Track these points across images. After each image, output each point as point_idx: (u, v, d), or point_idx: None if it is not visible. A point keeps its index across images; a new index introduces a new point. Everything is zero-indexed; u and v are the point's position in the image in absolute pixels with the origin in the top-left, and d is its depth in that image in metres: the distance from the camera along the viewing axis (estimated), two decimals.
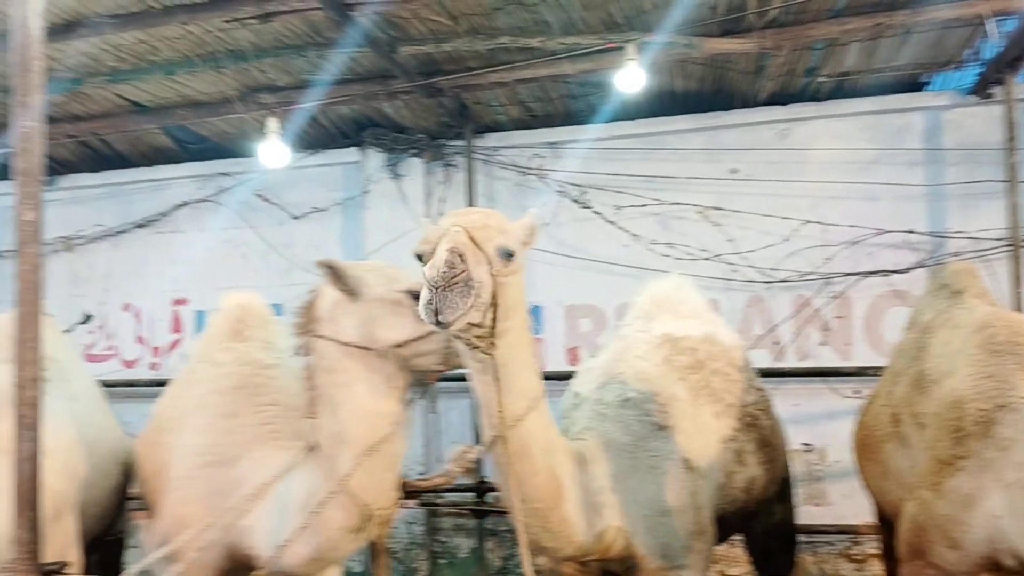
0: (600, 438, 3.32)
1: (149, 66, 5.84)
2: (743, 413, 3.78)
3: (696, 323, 3.97)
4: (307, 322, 3.08)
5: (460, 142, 6.96)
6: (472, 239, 2.67)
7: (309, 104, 6.01)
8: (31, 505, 2.66)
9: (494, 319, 2.70)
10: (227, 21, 5.07)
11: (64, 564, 2.77)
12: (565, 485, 3.05)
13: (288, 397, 3.47)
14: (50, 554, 3.14)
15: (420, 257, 2.79)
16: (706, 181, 6.59)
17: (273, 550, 3.08)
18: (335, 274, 3.00)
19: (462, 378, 6.28)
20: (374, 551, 4.19)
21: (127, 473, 4.27)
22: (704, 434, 3.52)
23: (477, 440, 6.75)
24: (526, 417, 2.89)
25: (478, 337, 2.72)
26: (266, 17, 4.91)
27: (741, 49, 5.52)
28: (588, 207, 6.82)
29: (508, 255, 2.74)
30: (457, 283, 2.59)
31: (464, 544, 7.05)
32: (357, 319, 2.98)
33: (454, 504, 6.95)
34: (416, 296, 2.75)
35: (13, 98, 5.20)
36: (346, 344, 2.97)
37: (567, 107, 6.71)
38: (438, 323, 2.61)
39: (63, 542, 3.38)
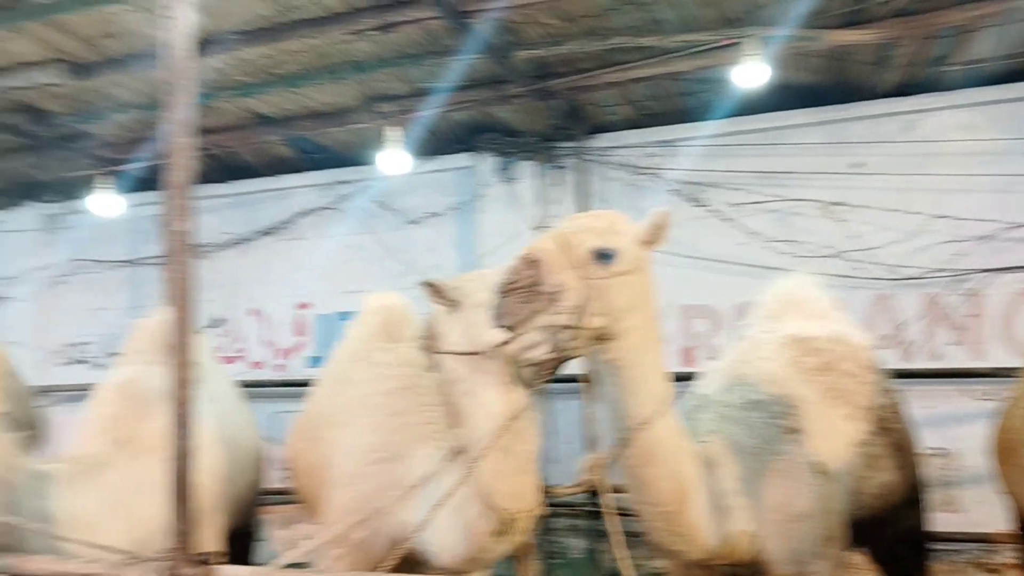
0: (726, 441, 3.27)
1: (274, 79, 6.07)
2: (874, 416, 3.65)
3: (823, 323, 3.87)
4: (429, 340, 3.18)
5: (572, 143, 6.98)
6: (562, 243, 2.71)
7: (426, 112, 6.15)
8: (185, 498, 2.79)
9: (579, 320, 2.70)
10: (348, 33, 5.23)
11: (213, 554, 2.92)
12: (692, 489, 3.02)
13: None
14: (199, 540, 3.35)
15: None
16: (827, 176, 6.41)
17: (438, 549, 3.23)
18: (434, 290, 3.12)
19: (575, 379, 6.26)
20: (519, 555, 4.22)
21: (262, 470, 4.47)
22: (835, 437, 3.42)
23: (589, 442, 6.77)
24: (653, 421, 2.88)
25: (572, 340, 2.72)
26: (386, 28, 5.04)
27: (864, 40, 5.35)
28: (703, 205, 6.72)
29: (606, 257, 2.74)
30: (517, 289, 2.63)
31: (578, 545, 7.06)
32: (462, 328, 3.08)
33: (567, 505, 6.97)
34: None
35: (161, 114, 5.51)
36: (458, 353, 3.07)
37: (681, 104, 6.64)
38: (500, 327, 2.66)
39: (208, 535, 3.59)
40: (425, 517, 3.08)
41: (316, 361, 8.16)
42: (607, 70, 5.70)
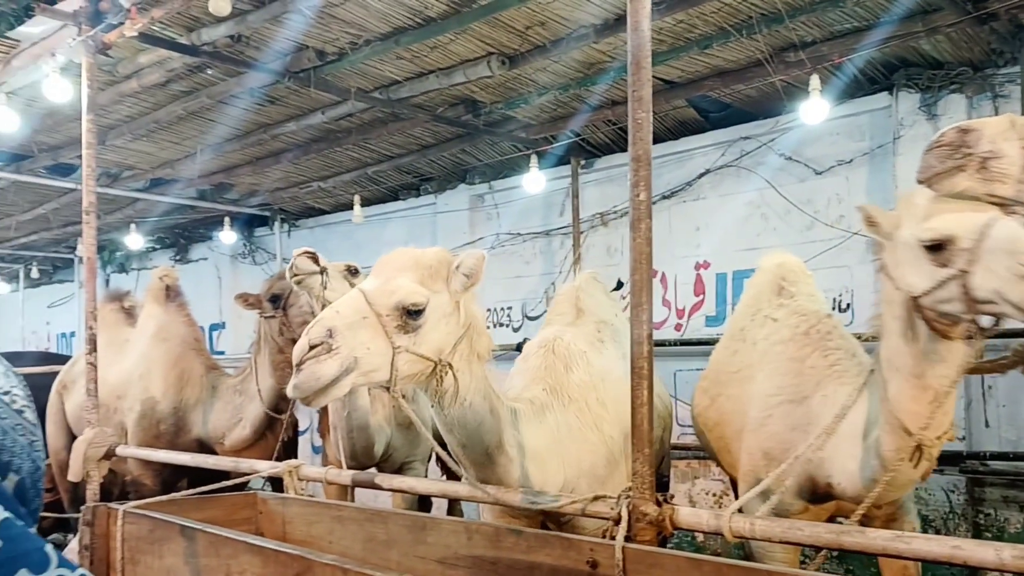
0: None
1: (685, 44, 6.14)
2: None
3: None
4: (876, 252, 3.08)
5: (1013, 69, 6.19)
6: (1009, 121, 2.66)
7: (843, 56, 5.83)
8: (647, 444, 2.95)
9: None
10: None
11: (671, 496, 3.06)
12: None
13: (848, 342, 3.64)
14: (611, 486, 3.62)
15: None
16: None
17: (843, 477, 3.19)
18: (867, 218, 2.98)
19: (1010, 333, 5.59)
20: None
21: (668, 427, 4.65)
22: None
23: None
24: None
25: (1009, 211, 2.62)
26: None
27: None
28: None
29: None
30: (942, 147, 2.69)
31: (1015, 519, 6.36)
32: (892, 260, 2.91)
33: (1002, 474, 6.30)
34: (929, 247, 2.67)
35: (577, 93, 5.83)
36: (886, 277, 2.95)
37: None
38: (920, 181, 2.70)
39: (620, 478, 3.82)
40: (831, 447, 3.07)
41: (713, 320, 8.21)
42: None
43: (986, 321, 2.70)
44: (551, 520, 3.43)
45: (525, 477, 3.34)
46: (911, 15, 5.66)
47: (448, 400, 3.07)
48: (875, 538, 2.50)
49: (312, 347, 2.73)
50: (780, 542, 2.85)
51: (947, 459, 6.41)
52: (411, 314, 2.88)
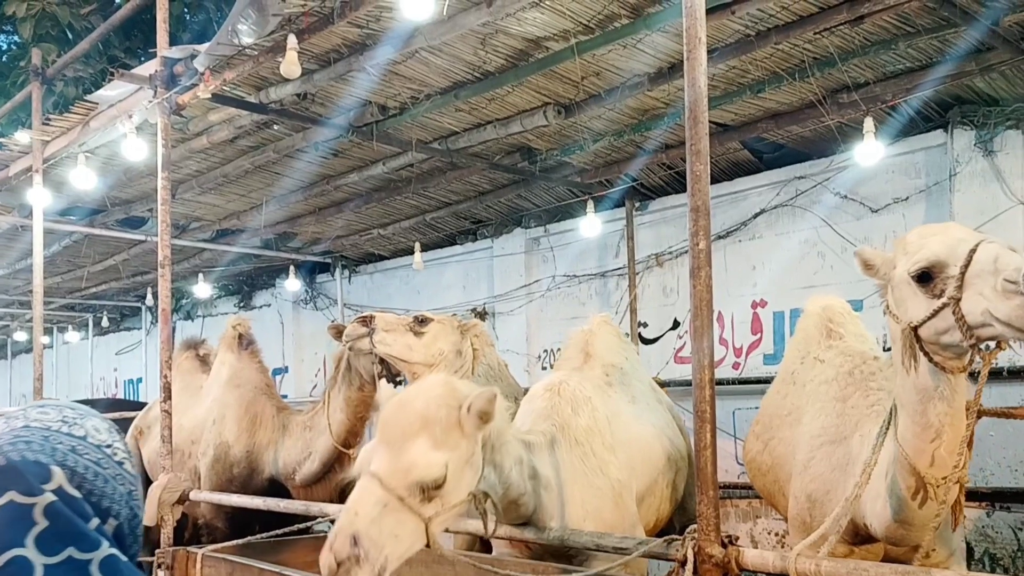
0: None
1: (738, 89, 6.24)
2: None
3: None
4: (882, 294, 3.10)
5: None
6: None
7: (896, 97, 5.87)
8: (712, 486, 2.99)
9: None
10: (817, 32, 5.20)
11: (736, 536, 3.08)
12: None
13: (892, 383, 3.56)
14: (619, 530, 3.67)
15: None
16: None
17: (873, 517, 3.16)
18: (862, 263, 3.00)
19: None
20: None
21: (678, 467, 4.65)
22: None
23: None
24: None
25: None
26: (858, 20, 4.93)
27: None
28: None
29: None
30: None
31: None
32: (892, 299, 2.93)
33: None
34: (919, 279, 2.68)
35: (630, 139, 5.94)
36: (887, 314, 2.95)
37: None
38: None
39: (629, 522, 3.86)
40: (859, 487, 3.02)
41: (771, 359, 8.18)
42: None
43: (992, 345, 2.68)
44: (562, 555, 3.49)
45: (541, 504, 3.44)
46: (964, 55, 5.68)
47: (495, 512, 3.16)
48: None
49: (339, 563, 2.59)
50: None
51: (1014, 496, 6.25)
52: (432, 487, 2.78)
